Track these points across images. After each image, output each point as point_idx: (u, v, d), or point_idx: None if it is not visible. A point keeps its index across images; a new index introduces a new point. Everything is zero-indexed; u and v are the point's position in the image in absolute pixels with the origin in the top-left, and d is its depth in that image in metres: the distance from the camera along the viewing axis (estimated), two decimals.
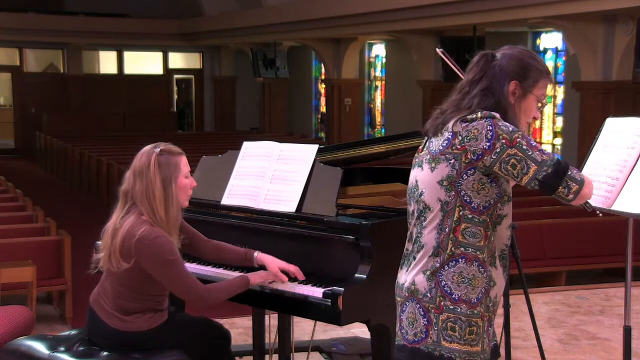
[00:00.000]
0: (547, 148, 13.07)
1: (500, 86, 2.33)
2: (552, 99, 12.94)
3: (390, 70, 16.54)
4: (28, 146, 19.08)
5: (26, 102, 19.64)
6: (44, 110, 19.28)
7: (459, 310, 2.28)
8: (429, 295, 2.31)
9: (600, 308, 5.70)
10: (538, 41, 13.15)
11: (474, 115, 2.26)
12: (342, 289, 2.82)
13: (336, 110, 16.46)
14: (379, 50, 17.17)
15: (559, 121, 12.77)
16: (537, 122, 13.18)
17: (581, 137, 10.11)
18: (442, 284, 2.29)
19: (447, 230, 2.28)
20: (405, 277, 2.39)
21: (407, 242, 2.44)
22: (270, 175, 3.34)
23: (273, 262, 3.07)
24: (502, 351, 3.18)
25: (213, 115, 21.53)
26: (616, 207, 2.76)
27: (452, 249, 2.28)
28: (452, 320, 2.29)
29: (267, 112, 18.71)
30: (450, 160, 2.27)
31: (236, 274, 3.15)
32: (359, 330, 3.46)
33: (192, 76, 21.95)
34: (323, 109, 18.85)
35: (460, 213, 2.27)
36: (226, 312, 5.09)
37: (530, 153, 2.22)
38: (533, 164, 2.22)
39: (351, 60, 16.32)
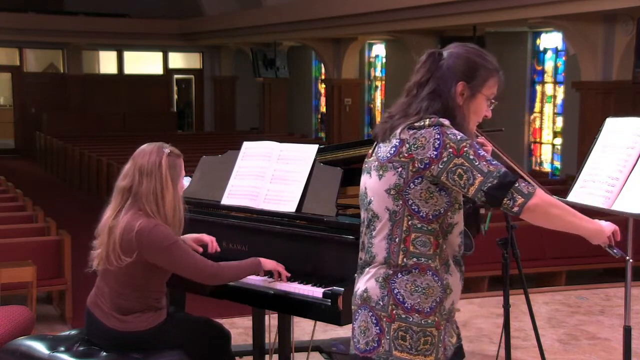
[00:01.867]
0: (547, 148, 13.07)
1: (448, 88, 2.27)
2: (552, 99, 12.94)
3: (390, 70, 16.53)
4: (28, 146, 19.08)
5: (26, 102, 19.64)
6: (44, 110, 19.28)
7: (410, 319, 2.22)
8: (381, 303, 2.25)
9: (600, 308, 5.70)
10: (538, 41, 13.14)
11: (422, 123, 2.20)
12: (342, 289, 2.82)
13: (336, 110, 16.46)
14: (379, 50, 17.16)
15: (559, 121, 12.76)
16: (537, 122, 13.19)
17: (581, 137, 10.10)
18: (395, 291, 2.23)
19: (397, 240, 2.23)
20: (359, 285, 2.33)
21: (360, 251, 2.38)
22: (270, 175, 3.35)
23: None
24: (502, 351, 3.18)
25: (213, 115, 21.53)
26: (616, 207, 2.76)
27: (405, 259, 2.23)
28: (404, 330, 2.23)
29: (267, 112, 18.71)
30: (398, 168, 2.21)
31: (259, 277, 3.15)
32: None
33: (192, 76, 21.95)
34: (323, 109, 18.85)
35: (409, 223, 2.22)
36: (226, 312, 5.09)
37: (476, 163, 2.15)
38: (479, 175, 2.14)
39: (351, 60, 16.32)
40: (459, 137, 2.17)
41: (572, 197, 2.98)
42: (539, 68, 13.17)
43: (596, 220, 2.38)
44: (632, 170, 2.76)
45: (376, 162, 2.29)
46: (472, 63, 2.30)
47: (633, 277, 3.21)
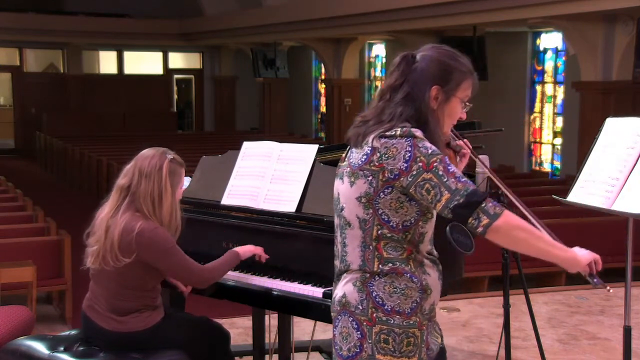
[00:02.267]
0: (547, 148, 13.07)
1: (422, 93, 2.23)
2: (552, 99, 12.94)
3: None
4: (28, 146, 19.08)
5: (26, 102, 19.65)
6: (44, 110, 19.27)
7: (392, 322, 2.20)
8: (360, 307, 2.23)
9: (600, 308, 5.70)
10: (538, 41, 13.14)
11: (394, 132, 2.17)
12: None
13: (336, 110, 16.46)
14: (379, 50, 17.16)
15: (559, 121, 12.76)
16: (537, 122, 13.19)
17: (581, 137, 10.10)
18: (374, 294, 2.21)
19: (370, 247, 2.22)
20: (337, 290, 2.31)
21: (337, 259, 2.36)
22: (270, 175, 3.35)
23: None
24: (502, 351, 3.18)
25: (213, 115, 21.53)
26: (616, 207, 2.76)
27: (380, 266, 2.21)
28: (386, 333, 2.21)
29: (267, 112, 18.71)
30: (368, 177, 2.20)
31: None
32: None
33: (192, 76, 21.95)
34: (323, 109, 18.85)
35: (379, 232, 2.21)
36: (226, 312, 5.09)
37: (445, 180, 2.13)
38: (446, 192, 2.12)
39: (351, 60, 16.32)
40: (430, 150, 2.15)
41: (572, 197, 2.98)
42: (539, 68, 13.17)
43: (572, 249, 2.33)
44: (632, 170, 2.77)
45: (348, 168, 2.28)
46: (446, 66, 2.27)
47: (633, 277, 3.21)
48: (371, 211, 2.20)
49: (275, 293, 3.05)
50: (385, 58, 16.80)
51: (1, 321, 3.60)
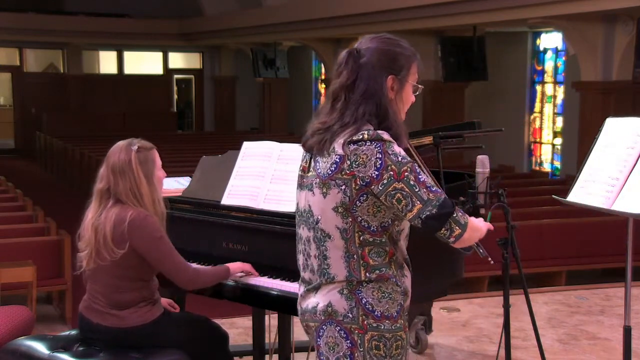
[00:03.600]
0: (547, 148, 13.06)
1: (379, 86, 2.21)
2: (552, 99, 12.94)
3: None
4: (28, 146, 19.07)
5: (26, 102, 19.64)
6: (44, 110, 19.27)
7: (382, 327, 2.20)
8: (350, 315, 2.20)
9: (600, 308, 5.70)
10: (538, 41, 13.14)
11: (361, 136, 2.14)
12: None
13: None
14: None
15: (559, 121, 12.76)
16: (537, 122, 13.19)
17: (581, 137, 10.10)
18: (364, 301, 2.19)
19: (355, 257, 2.19)
20: (316, 300, 2.25)
21: (307, 272, 2.30)
22: (271, 175, 3.35)
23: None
24: (502, 351, 3.18)
25: (213, 115, 21.53)
26: (616, 207, 2.76)
27: (367, 274, 2.19)
28: (377, 339, 2.20)
29: (267, 112, 18.71)
30: (341, 186, 2.16)
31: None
32: None
33: (192, 76, 21.95)
34: None
35: (361, 238, 2.18)
36: (226, 312, 5.09)
37: (416, 190, 2.12)
38: (418, 202, 2.12)
39: None
40: (400, 158, 2.14)
41: (572, 197, 2.98)
42: (539, 68, 13.18)
43: (472, 219, 2.30)
44: (632, 170, 2.77)
45: (317, 179, 2.22)
46: (393, 54, 2.26)
47: (633, 277, 3.21)
48: (350, 219, 2.18)
49: (275, 293, 3.04)
50: None
51: (1, 321, 3.60)
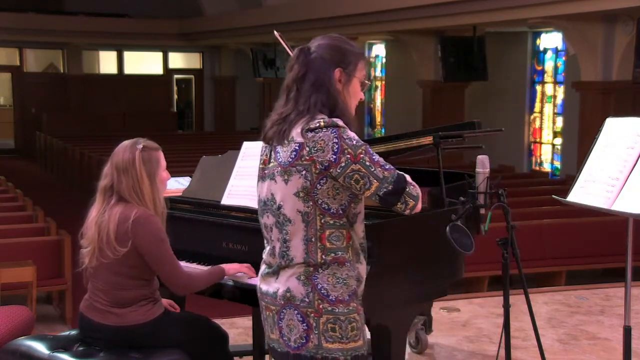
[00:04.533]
0: (547, 148, 13.06)
1: (328, 77, 2.37)
2: (552, 99, 12.94)
3: (390, 70, 16.53)
4: (28, 146, 19.08)
5: (26, 102, 19.64)
6: (44, 110, 19.28)
7: (337, 310, 2.33)
8: (307, 300, 2.33)
9: (600, 308, 5.70)
10: (538, 41, 13.13)
11: (317, 124, 2.29)
12: None
13: None
14: (379, 50, 17.16)
15: (559, 121, 12.76)
16: (537, 122, 13.19)
17: (581, 137, 10.10)
18: (319, 287, 2.33)
19: (313, 239, 2.32)
20: (277, 285, 2.40)
21: (268, 256, 2.45)
22: None
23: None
24: (502, 351, 3.18)
25: (213, 115, 21.54)
26: (616, 207, 2.76)
27: (323, 257, 2.32)
28: (332, 321, 2.33)
29: (267, 112, 18.46)
30: (302, 171, 2.30)
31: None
32: None
33: (192, 76, 21.96)
34: None
35: (322, 221, 2.32)
36: (226, 312, 5.09)
37: (372, 169, 2.29)
38: (375, 181, 2.29)
39: None
40: (354, 141, 2.29)
41: (572, 197, 2.98)
42: (539, 68, 13.17)
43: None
44: (632, 170, 2.77)
45: (278, 168, 2.37)
46: (341, 50, 2.42)
47: (633, 277, 3.21)
48: (311, 203, 2.31)
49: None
50: (385, 58, 16.81)
51: (1, 321, 3.60)
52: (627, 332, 2.98)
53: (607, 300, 5.91)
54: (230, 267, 3.14)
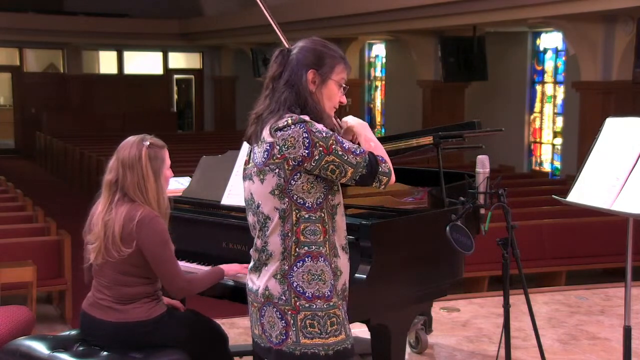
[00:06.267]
0: (547, 148, 13.06)
1: (299, 77, 2.42)
2: (552, 99, 12.94)
3: (390, 70, 16.54)
4: (28, 146, 19.07)
5: (26, 102, 19.64)
6: (44, 110, 19.28)
7: (314, 306, 2.38)
8: (283, 298, 2.40)
9: (600, 308, 5.70)
10: (538, 41, 13.13)
11: (285, 122, 2.34)
12: None
13: (336, 110, 16.44)
14: (379, 50, 17.16)
15: (559, 121, 12.76)
16: (537, 122, 13.19)
17: (581, 137, 10.10)
18: (294, 285, 2.38)
19: (289, 234, 2.38)
20: (258, 283, 2.47)
21: (253, 251, 2.52)
22: None
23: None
24: (502, 351, 3.18)
25: (213, 115, 21.53)
26: (616, 207, 2.76)
27: (297, 249, 2.38)
28: (310, 318, 2.38)
29: None
30: (275, 170, 2.36)
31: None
32: (359, 330, 3.47)
33: (192, 76, 21.95)
34: None
35: (297, 215, 2.37)
36: (226, 312, 5.08)
37: (346, 158, 2.36)
38: (350, 168, 2.37)
39: (351, 60, 16.22)
40: (324, 133, 2.35)
41: (572, 197, 2.98)
42: (539, 68, 13.17)
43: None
44: (632, 170, 2.77)
45: (255, 168, 2.44)
46: (318, 52, 2.48)
47: (633, 277, 3.21)
48: (287, 199, 2.37)
49: None
50: (385, 58, 16.82)
51: (1, 321, 3.60)
52: (627, 332, 2.98)
53: (607, 300, 5.91)
54: (230, 268, 3.14)
